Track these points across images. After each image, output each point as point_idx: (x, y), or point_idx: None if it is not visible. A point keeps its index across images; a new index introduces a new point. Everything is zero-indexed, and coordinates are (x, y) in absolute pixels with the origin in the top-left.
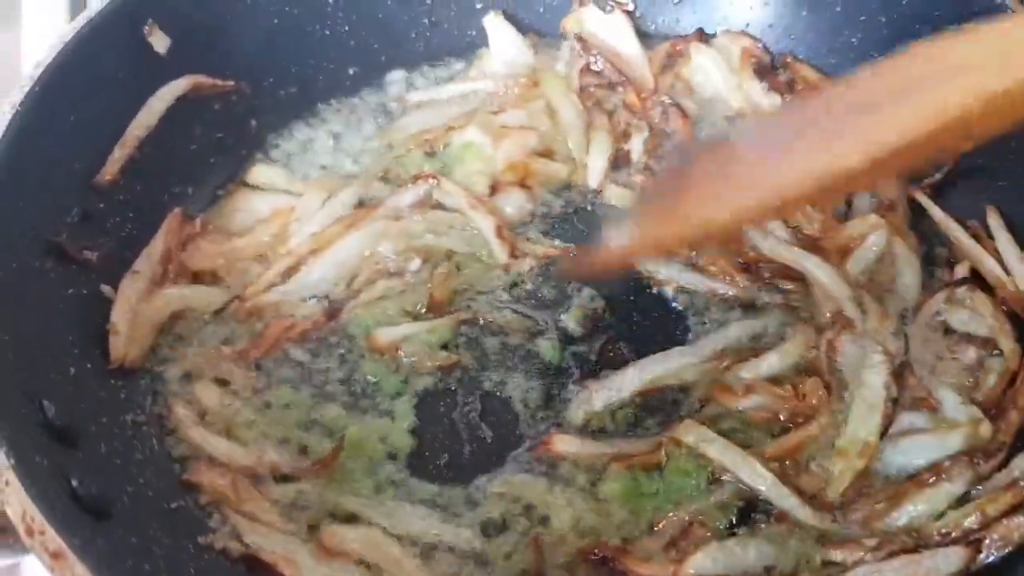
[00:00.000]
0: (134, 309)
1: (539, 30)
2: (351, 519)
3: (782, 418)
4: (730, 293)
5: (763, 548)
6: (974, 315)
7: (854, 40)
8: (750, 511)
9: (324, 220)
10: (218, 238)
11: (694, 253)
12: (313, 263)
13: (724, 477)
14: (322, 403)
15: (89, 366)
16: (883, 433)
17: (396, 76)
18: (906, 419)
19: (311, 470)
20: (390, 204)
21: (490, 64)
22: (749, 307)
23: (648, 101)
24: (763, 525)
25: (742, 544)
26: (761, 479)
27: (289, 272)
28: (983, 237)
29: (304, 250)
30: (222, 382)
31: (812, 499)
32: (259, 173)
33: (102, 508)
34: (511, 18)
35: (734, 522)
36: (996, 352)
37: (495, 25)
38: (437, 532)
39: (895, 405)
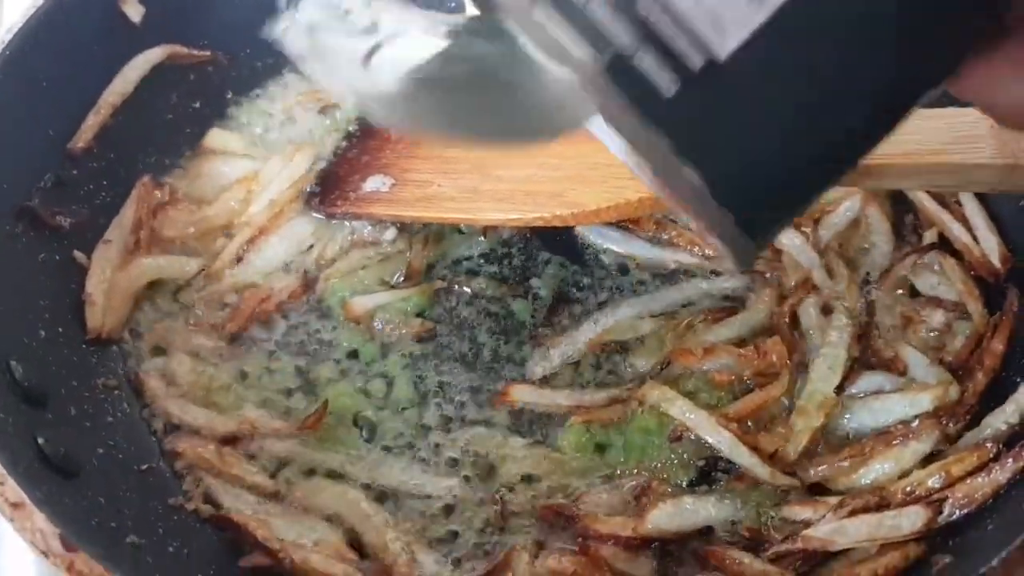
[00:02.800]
0: (109, 279)
1: None
2: (328, 475)
3: (745, 378)
4: (695, 262)
5: (722, 504)
6: (942, 280)
7: None
8: (711, 469)
9: (282, 185)
10: (188, 207)
11: (655, 227)
12: (272, 237)
13: (686, 435)
14: (303, 368)
15: (60, 330)
16: (839, 388)
17: None
18: (875, 380)
19: (295, 432)
20: None
21: None
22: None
23: None
24: (723, 483)
25: (700, 500)
26: (722, 438)
27: (252, 242)
28: (950, 203)
29: (263, 219)
30: (195, 354)
31: (772, 457)
32: (215, 138)
33: (70, 467)
34: None
35: (695, 479)
36: (964, 316)
37: None
38: (418, 482)
39: (855, 364)
